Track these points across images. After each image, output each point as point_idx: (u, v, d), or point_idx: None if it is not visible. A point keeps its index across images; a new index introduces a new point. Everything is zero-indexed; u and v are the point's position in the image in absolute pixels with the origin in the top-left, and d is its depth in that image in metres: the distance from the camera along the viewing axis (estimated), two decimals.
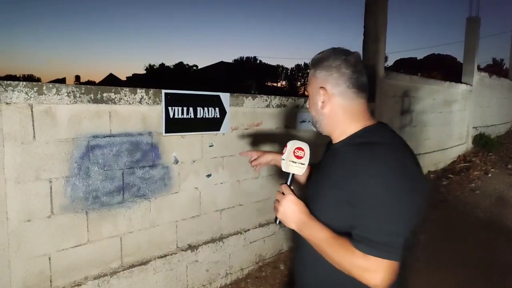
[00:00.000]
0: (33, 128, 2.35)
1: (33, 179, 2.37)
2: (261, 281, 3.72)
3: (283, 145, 1.48)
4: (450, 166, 9.00)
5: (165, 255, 3.11)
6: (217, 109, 3.37)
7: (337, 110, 1.35)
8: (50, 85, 2.40)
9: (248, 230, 3.83)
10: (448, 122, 9.10)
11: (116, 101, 2.71)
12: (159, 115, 2.98)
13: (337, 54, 1.34)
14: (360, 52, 6.21)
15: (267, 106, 3.92)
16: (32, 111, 2.33)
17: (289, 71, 75.70)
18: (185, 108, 3.11)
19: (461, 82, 9.86)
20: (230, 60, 67.39)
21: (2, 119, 2.21)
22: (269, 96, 3.96)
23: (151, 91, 2.92)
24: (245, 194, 3.82)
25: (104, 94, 2.65)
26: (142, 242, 2.98)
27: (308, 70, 1.47)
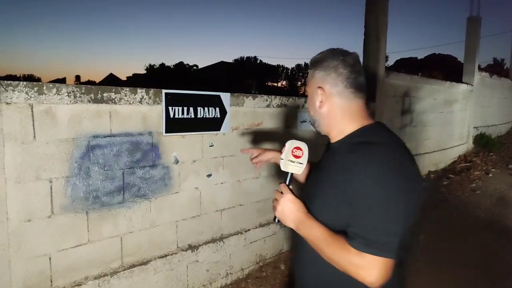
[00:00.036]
0: (34, 128, 2.35)
1: (33, 179, 2.37)
2: (262, 281, 3.71)
3: (283, 145, 1.49)
4: (451, 166, 9.00)
5: (166, 255, 3.11)
6: (217, 109, 3.36)
7: (335, 110, 1.37)
8: (50, 85, 2.40)
9: (249, 230, 3.83)
10: (449, 122, 9.09)
11: (117, 101, 2.71)
12: (160, 115, 2.98)
13: (335, 54, 1.36)
14: (361, 52, 6.25)
15: (268, 106, 3.92)
16: (32, 111, 2.33)
17: (289, 71, 75.84)
18: (185, 108, 3.11)
19: (461, 82, 9.85)
20: (230, 60, 67.51)
21: (3, 119, 2.21)
22: (270, 96, 3.96)
23: (152, 91, 2.92)
24: (246, 194, 3.82)
25: (105, 94, 2.64)
26: (143, 242, 2.98)
27: (308, 70, 1.48)
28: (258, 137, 3.76)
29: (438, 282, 3.71)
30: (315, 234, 1.28)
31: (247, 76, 55.15)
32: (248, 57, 69.38)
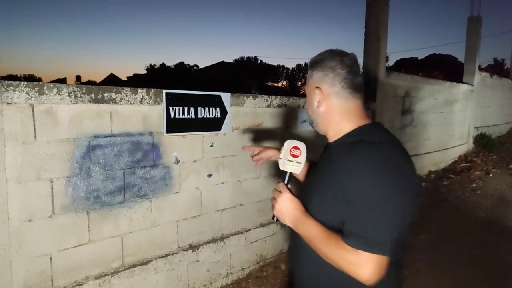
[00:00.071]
0: (34, 128, 2.35)
1: (34, 179, 2.37)
2: (262, 281, 3.72)
3: (283, 145, 1.50)
4: (451, 166, 9.00)
5: (166, 255, 3.12)
6: (218, 109, 3.37)
7: (332, 110, 1.39)
8: (51, 85, 2.40)
9: (249, 230, 3.83)
10: (449, 122, 9.09)
11: (117, 101, 2.72)
12: (160, 115, 2.98)
13: (333, 55, 1.38)
14: (361, 52, 6.25)
15: (268, 106, 3.92)
16: (33, 111, 2.33)
17: (289, 71, 75.75)
18: (186, 108, 3.11)
19: (462, 82, 9.85)
20: (231, 60, 67.42)
21: (3, 119, 2.21)
22: (270, 96, 3.96)
23: (152, 91, 2.93)
24: (246, 194, 3.82)
25: (105, 94, 2.65)
26: (143, 242, 2.98)
27: (307, 71, 1.50)
28: (259, 137, 3.76)
29: (438, 282, 3.71)
30: (312, 232, 1.30)
31: (248, 76, 55.12)
32: (248, 57, 69.30)
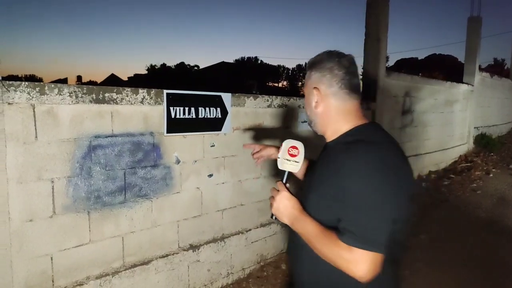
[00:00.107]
0: (35, 128, 2.35)
1: (35, 179, 2.37)
2: (263, 281, 3.72)
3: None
4: (452, 166, 9.00)
5: (167, 255, 3.12)
6: (218, 109, 3.37)
7: (330, 110, 1.41)
8: (52, 85, 2.41)
9: (250, 230, 3.84)
10: (450, 122, 9.09)
11: (118, 101, 2.72)
12: (161, 115, 2.99)
13: (331, 56, 1.41)
14: (361, 52, 6.26)
15: (269, 106, 3.93)
16: (34, 111, 2.34)
17: (290, 71, 75.76)
18: (186, 108, 3.12)
19: (462, 82, 9.85)
20: (231, 60, 67.45)
21: (4, 119, 2.22)
22: (271, 96, 3.97)
23: (153, 91, 2.93)
24: (247, 194, 3.82)
25: (106, 94, 2.65)
26: (144, 242, 2.99)
27: (306, 72, 1.53)
28: (259, 137, 3.77)
29: (438, 282, 3.71)
30: (308, 230, 1.32)
31: (248, 77, 55.12)
32: (249, 58, 69.34)
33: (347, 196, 1.21)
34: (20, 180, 2.31)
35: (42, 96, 2.34)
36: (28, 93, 2.29)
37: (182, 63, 65.29)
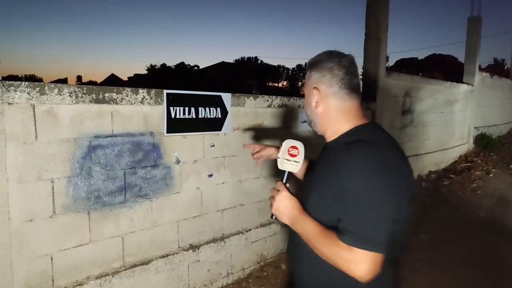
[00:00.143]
0: (35, 128, 2.35)
1: (35, 179, 2.37)
2: (263, 281, 3.72)
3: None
4: (452, 166, 9.00)
5: (167, 255, 3.12)
6: (218, 109, 3.37)
7: (330, 110, 1.42)
8: (52, 85, 2.41)
9: (250, 230, 3.84)
10: (450, 122, 9.10)
11: (118, 101, 2.72)
12: (161, 115, 2.99)
13: (331, 56, 1.41)
14: (361, 52, 6.26)
15: (269, 106, 3.93)
16: (34, 111, 2.34)
17: (290, 71, 75.75)
18: (186, 108, 3.12)
19: (462, 82, 9.85)
20: (231, 60, 67.45)
21: (4, 119, 2.22)
22: (271, 96, 3.97)
23: (153, 91, 2.93)
24: (247, 194, 3.82)
25: (106, 94, 2.65)
26: (144, 242, 2.99)
27: (306, 72, 1.53)
28: (260, 137, 3.77)
29: (438, 282, 3.71)
30: (308, 230, 1.32)
31: (248, 77, 55.10)
32: (249, 57, 69.32)
33: (347, 196, 1.21)
34: (20, 180, 2.31)
35: (42, 96, 2.34)
36: (28, 93, 2.29)
37: (182, 63, 65.31)
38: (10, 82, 2.23)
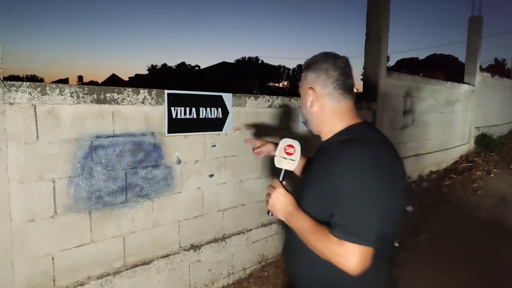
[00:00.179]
0: (37, 128, 2.36)
1: (36, 179, 2.38)
2: (264, 281, 3.72)
3: None
4: (452, 166, 9.00)
5: (168, 255, 3.12)
6: (219, 109, 3.37)
7: (325, 110, 1.46)
8: (53, 86, 2.41)
9: (251, 230, 3.84)
10: (450, 122, 9.09)
11: (119, 102, 2.72)
12: (162, 115, 2.99)
13: (326, 58, 1.46)
14: (362, 52, 6.26)
15: (270, 106, 3.93)
16: (35, 111, 2.34)
17: (290, 71, 75.68)
18: (187, 109, 3.12)
19: (463, 82, 9.85)
20: (232, 60, 67.33)
21: (6, 120, 2.22)
22: (272, 96, 3.97)
23: (154, 91, 2.93)
24: (248, 194, 3.82)
25: (107, 95, 2.66)
26: (145, 242, 2.99)
27: (302, 72, 1.58)
28: (260, 137, 3.76)
29: (438, 282, 3.71)
30: (302, 225, 1.36)
31: (249, 77, 55.07)
32: (249, 58, 69.24)
33: (341, 194, 1.24)
34: (21, 180, 2.31)
35: (44, 96, 2.35)
36: (30, 93, 2.29)
37: (183, 63, 65.26)
38: (12, 82, 2.23)
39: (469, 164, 8.99)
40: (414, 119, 7.50)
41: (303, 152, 1.59)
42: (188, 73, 58.00)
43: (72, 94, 2.46)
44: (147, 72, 64.27)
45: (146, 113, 2.91)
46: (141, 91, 2.85)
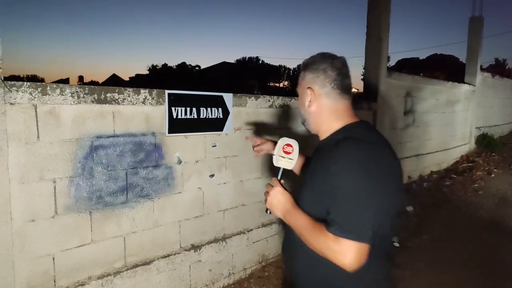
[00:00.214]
0: (37, 129, 2.36)
1: (37, 179, 2.38)
2: (264, 281, 3.72)
3: None
4: (453, 166, 8.99)
5: (168, 255, 3.12)
6: (220, 109, 3.37)
7: (323, 109, 1.49)
8: (54, 86, 2.41)
9: (251, 230, 3.84)
10: (451, 122, 9.09)
11: (120, 102, 2.72)
12: (163, 116, 2.99)
13: (324, 58, 1.48)
14: (362, 52, 6.25)
15: (270, 106, 3.93)
16: (36, 111, 2.34)
17: (291, 71, 75.62)
18: (188, 109, 3.12)
19: (464, 82, 9.84)
20: (232, 60, 67.22)
21: (7, 120, 2.22)
22: (272, 96, 3.97)
23: (155, 91, 2.93)
24: (248, 194, 3.82)
25: (108, 95, 2.66)
26: (146, 242, 2.99)
27: (300, 72, 1.60)
28: (261, 137, 3.76)
29: (439, 282, 3.71)
30: (299, 222, 1.38)
31: (249, 77, 55.02)
32: (250, 58, 69.15)
33: (338, 192, 1.26)
34: (22, 180, 2.31)
35: (44, 96, 2.35)
36: (30, 93, 2.29)
37: (184, 63, 65.16)
38: (12, 82, 2.23)
39: (470, 164, 8.99)
40: (415, 119, 7.49)
41: (303, 151, 1.59)
42: (189, 73, 57.95)
43: (73, 94, 2.46)
44: (147, 72, 64.20)
45: (147, 113, 2.91)
46: (142, 91, 2.85)
